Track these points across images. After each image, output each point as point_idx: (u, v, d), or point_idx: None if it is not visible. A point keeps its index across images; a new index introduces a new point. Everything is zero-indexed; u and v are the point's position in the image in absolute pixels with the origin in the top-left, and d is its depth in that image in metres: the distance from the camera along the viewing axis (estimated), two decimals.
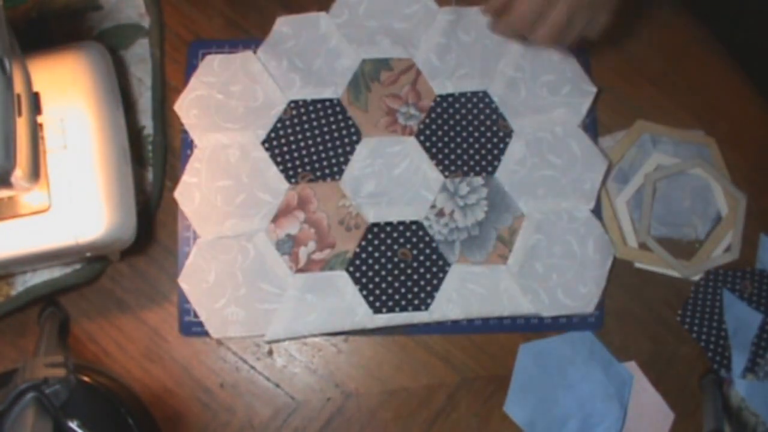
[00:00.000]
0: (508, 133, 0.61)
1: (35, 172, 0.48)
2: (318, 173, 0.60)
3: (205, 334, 0.58)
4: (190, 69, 0.62)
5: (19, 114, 0.46)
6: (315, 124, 0.61)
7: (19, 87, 0.46)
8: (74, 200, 0.52)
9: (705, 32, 0.66)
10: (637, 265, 0.61)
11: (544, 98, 0.61)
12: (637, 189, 0.62)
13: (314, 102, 0.61)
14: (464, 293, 0.58)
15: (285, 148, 0.60)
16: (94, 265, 0.58)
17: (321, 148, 0.60)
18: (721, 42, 0.66)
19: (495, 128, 0.61)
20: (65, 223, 0.52)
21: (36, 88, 0.51)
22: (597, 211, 0.61)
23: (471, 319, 0.59)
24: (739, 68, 0.66)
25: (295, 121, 0.61)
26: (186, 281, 0.58)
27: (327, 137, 0.60)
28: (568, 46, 0.60)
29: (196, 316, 0.58)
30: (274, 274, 0.58)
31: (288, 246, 0.58)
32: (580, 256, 0.59)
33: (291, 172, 0.60)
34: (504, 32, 0.61)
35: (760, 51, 0.74)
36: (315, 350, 0.59)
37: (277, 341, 0.59)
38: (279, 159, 0.60)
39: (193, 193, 0.59)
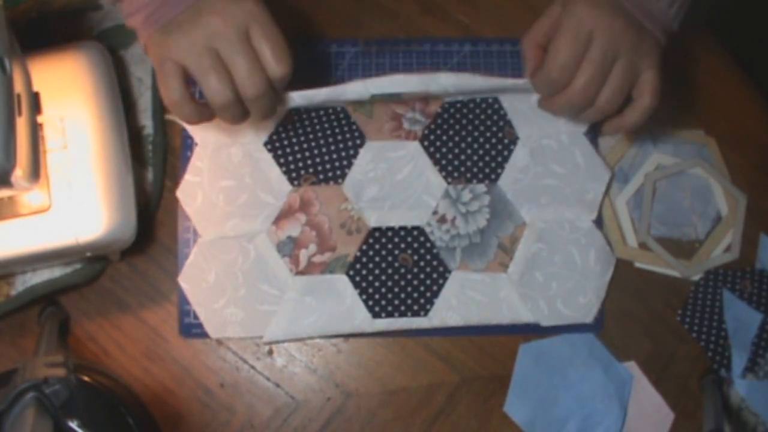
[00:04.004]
0: (513, 141, 0.61)
1: (35, 172, 0.48)
2: (321, 176, 0.60)
3: (205, 335, 0.58)
4: None
5: (19, 114, 0.46)
6: (318, 127, 0.60)
7: (19, 87, 0.46)
8: (74, 200, 0.52)
9: (705, 32, 0.66)
10: (637, 265, 0.61)
11: None
12: (637, 189, 0.62)
13: (317, 108, 0.61)
14: (464, 300, 0.58)
15: (288, 150, 0.60)
16: (94, 265, 0.58)
17: (324, 150, 0.60)
18: (721, 42, 0.66)
19: (500, 135, 0.61)
20: (65, 222, 0.52)
21: (36, 88, 0.51)
22: (599, 222, 0.61)
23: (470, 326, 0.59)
24: (739, 68, 0.66)
25: (298, 124, 0.60)
26: (186, 281, 0.58)
27: (330, 140, 0.60)
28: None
29: (196, 317, 0.58)
30: (274, 276, 0.58)
31: (289, 248, 0.58)
32: (580, 266, 0.59)
33: (294, 174, 0.60)
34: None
35: (760, 51, 0.75)
36: (315, 350, 0.59)
37: (276, 342, 0.59)
38: (282, 161, 0.60)
39: (196, 192, 0.59)
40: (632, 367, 0.60)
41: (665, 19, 0.53)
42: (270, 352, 0.59)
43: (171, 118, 0.60)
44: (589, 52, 0.50)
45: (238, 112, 0.49)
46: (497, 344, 0.60)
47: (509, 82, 0.57)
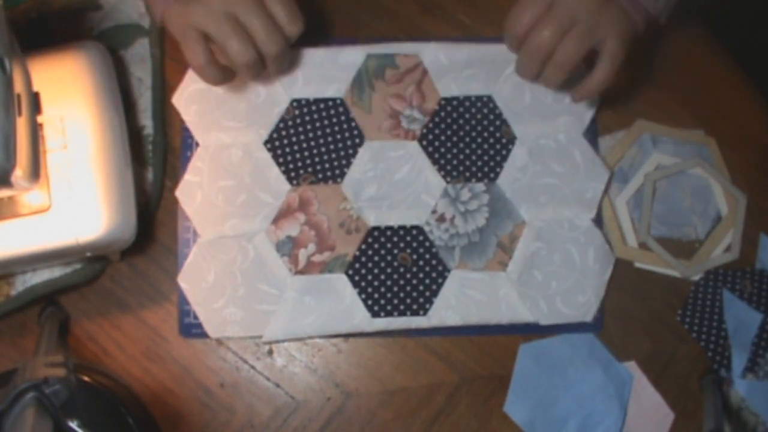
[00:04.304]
0: (511, 140, 0.61)
1: (35, 172, 0.48)
2: (320, 175, 0.60)
3: (205, 335, 0.58)
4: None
5: (19, 114, 0.46)
6: (318, 125, 0.61)
7: (19, 87, 0.46)
8: (74, 200, 0.52)
9: (705, 32, 0.66)
10: (637, 264, 0.61)
11: (548, 105, 0.61)
12: (637, 189, 0.62)
13: (317, 101, 0.61)
14: (463, 299, 0.58)
15: (287, 149, 0.60)
16: (94, 265, 0.58)
17: (323, 149, 0.60)
18: (721, 42, 0.66)
19: (498, 134, 0.61)
20: (65, 222, 0.52)
21: (36, 88, 0.51)
22: (598, 221, 0.61)
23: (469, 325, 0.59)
24: (739, 68, 0.66)
25: (298, 121, 0.61)
26: (185, 280, 0.58)
27: (330, 139, 0.60)
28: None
29: (196, 317, 0.58)
30: (274, 276, 0.58)
31: (288, 247, 0.58)
32: (579, 265, 0.59)
33: (293, 174, 0.60)
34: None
35: (760, 51, 0.75)
36: (315, 350, 0.59)
37: (276, 342, 0.59)
38: (281, 160, 0.60)
39: (195, 192, 0.59)
40: (632, 366, 0.60)
41: None
42: (270, 352, 0.59)
43: (175, 103, 0.60)
44: (549, 12, 0.53)
45: (258, 68, 0.54)
46: (497, 344, 0.60)
47: (494, 47, 0.61)
